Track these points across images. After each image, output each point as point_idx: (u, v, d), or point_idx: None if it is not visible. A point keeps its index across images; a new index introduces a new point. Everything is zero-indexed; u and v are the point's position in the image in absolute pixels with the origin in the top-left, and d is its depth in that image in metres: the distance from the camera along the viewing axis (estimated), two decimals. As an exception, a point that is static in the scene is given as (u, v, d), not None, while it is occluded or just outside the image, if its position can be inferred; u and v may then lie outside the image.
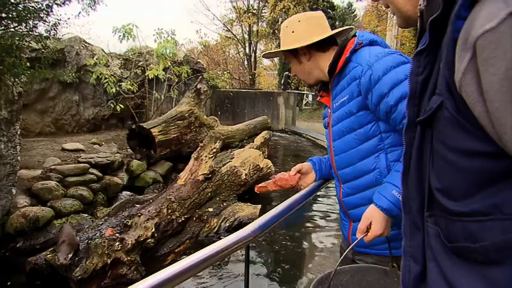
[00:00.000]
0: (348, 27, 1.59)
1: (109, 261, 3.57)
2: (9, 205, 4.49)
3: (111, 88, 8.01)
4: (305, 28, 1.52)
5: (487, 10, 0.50)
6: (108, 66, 8.46)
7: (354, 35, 1.52)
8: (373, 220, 1.27)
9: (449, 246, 0.63)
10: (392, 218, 1.27)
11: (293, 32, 1.53)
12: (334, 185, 1.67)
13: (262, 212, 5.24)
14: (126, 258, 3.71)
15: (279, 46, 1.67)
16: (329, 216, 5.26)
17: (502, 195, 0.56)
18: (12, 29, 4.07)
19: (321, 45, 1.51)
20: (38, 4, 4.20)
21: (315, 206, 5.59)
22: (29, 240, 4.52)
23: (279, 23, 18.64)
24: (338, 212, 4.11)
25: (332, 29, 1.56)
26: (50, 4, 4.34)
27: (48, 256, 3.49)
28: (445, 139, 0.60)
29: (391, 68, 1.33)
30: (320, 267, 3.97)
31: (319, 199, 5.70)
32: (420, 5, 0.66)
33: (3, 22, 3.94)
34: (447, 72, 0.57)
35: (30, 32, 4.29)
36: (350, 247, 1.22)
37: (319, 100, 1.67)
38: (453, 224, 0.62)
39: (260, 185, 1.75)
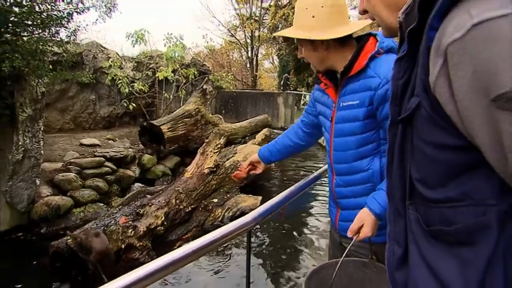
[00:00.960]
0: (368, 22, 1.38)
1: (123, 246, 3.61)
2: (33, 194, 4.53)
3: (125, 88, 8.03)
4: (328, 16, 1.32)
5: (455, 21, 0.51)
6: (122, 68, 8.46)
7: (370, 34, 1.39)
8: (365, 223, 1.27)
9: (428, 230, 0.64)
10: (381, 221, 1.27)
11: (313, 16, 1.33)
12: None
13: (263, 202, 5.29)
14: (138, 244, 3.74)
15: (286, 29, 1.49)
16: (326, 206, 5.28)
17: (472, 184, 0.57)
18: (37, 35, 4.10)
19: (341, 39, 1.34)
20: (60, 12, 4.21)
21: (315, 195, 5.59)
22: (52, 226, 4.57)
23: (279, 28, 18.54)
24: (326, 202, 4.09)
25: None
26: (71, 12, 4.35)
27: (68, 241, 3.49)
28: (423, 135, 0.61)
29: None
30: (315, 253, 3.98)
31: (316, 191, 5.72)
32: (399, 17, 0.66)
33: (29, 29, 3.96)
34: (423, 76, 0.58)
35: (53, 38, 4.31)
36: (346, 250, 1.21)
37: (321, 87, 1.53)
38: (431, 210, 0.63)
39: (233, 175, 1.89)
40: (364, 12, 0.81)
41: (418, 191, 0.65)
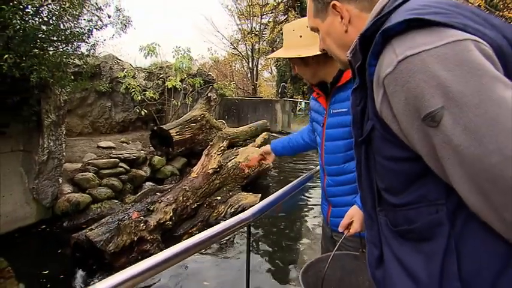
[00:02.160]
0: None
1: (135, 239, 3.62)
2: (57, 191, 4.58)
3: (137, 96, 8.05)
4: (313, 34, 1.33)
5: (386, 59, 0.57)
6: (135, 78, 8.48)
7: None
8: (354, 219, 1.28)
9: (395, 231, 0.67)
10: None
11: (301, 36, 1.36)
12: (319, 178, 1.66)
13: (262, 199, 5.29)
14: (149, 237, 3.77)
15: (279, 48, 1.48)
16: (319, 203, 5.25)
17: (425, 188, 0.60)
18: (61, 49, 4.16)
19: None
20: (81, 29, 4.27)
21: (308, 194, 5.59)
22: (72, 221, 4.61)
23: (277, 42, 18.59)
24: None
25: None
26: (91, 29, 4.41)
27: (87, 233, 3.55)
28: (380, 150, 0.66)
29: None
30: (310, 247, 3.98)
31: (310, 189, 5.73)
32: (348, 56, 0.71)
33: (54, 44, 4.02)
34: (371, 103, 0.63)
35: (75, 51, 4.37)
36: (338, 244, 1.22)
37: (314, 96, 1.54)
38: (396, 213, 0.66)
39: (243, 166, 1.91)
40: (323, 50, 0.87)
41: (384, 199, 0.69)
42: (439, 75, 0.52)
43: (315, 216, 4.83)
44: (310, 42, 1.33)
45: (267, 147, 1.82)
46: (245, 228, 1.44)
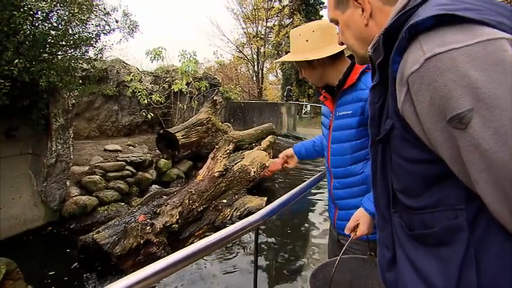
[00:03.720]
0: None
1: (142, 241, 3.62)
2: (64, 194, 4.63)
3: (144, 100, 8.10)
4: (319, 38, 1.38)
5: (412, 56, 0.55)
6: (141, 81, 8.52)
7: None
8: (361, 221, 1.26)
9: (410, 234, 0.65)
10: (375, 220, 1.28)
11: (307, 40, 1.39)
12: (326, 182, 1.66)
13: (268, 203, 5.28)
14: (155, 240, 3.75)
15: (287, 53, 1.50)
16: (326, 205, 5.17)
17: (443, 192, 0.59)
18: (70, 54, 4.22)
19: (333, 56, 1.38)
20: (90, 34, 4.33)
21: (315, 198, 5.55)
22: (80, 223, 4.64)
23: (282, 45, 18.61)
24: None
25: None
26: (99, 34, 4.47)
27: (94, 236, 3.56)
28: (398, 151, 0.63)
29: None
30: (317, 248, 3.95)
31: (318, 192, 5.70)
32: (368, 52, 0.69)
33: (63, 48, 4.09)
34: (392, 101, 0.61)
35: (83, 56, 4.43)
36: (344, 247, 1.21)
37: (321, 99, 1.55)
38: (412, 216, 0.64)
39: (265, 172, 1.90)
40: (341, 43, 0.85)
41: (400, 200, 0.67)
42: (470, 75, 0.50)
43: (325, 220, 4.79)
44: (317, 46, 1.36)
45: (290, 151, 1.81)
46: (252, 231, 1.42)
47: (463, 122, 0.50)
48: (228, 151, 5.60)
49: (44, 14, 3.81)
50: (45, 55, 3.87)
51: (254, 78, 21.38)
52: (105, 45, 4.84)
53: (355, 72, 1.38)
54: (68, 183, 4.72)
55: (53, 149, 4.39)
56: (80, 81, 4.67)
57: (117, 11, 4.94)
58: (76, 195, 4.90)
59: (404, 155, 0.63)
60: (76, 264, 3.60)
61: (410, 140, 0.60)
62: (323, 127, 1.58)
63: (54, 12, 3.95)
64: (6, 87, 3.38)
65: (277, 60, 1.81)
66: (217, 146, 5.74)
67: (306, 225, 4.77)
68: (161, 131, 7.12)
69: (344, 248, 1.22)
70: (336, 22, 0.82)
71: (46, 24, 3.89)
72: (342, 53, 1.42)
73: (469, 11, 0.53)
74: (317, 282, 1.27)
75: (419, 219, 0.63)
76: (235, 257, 3.83)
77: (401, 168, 0.64)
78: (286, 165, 1.81)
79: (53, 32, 3.83)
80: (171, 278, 3.20)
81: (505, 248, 0.55)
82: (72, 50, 4.21)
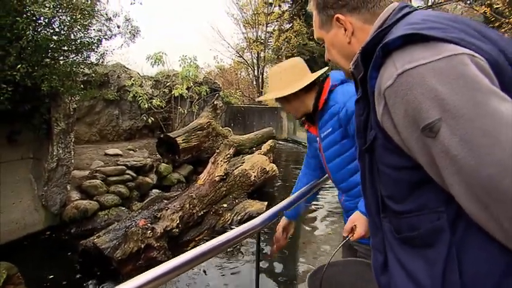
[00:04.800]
0: (324, 70, 1.59)
1: (142, 246, 3.62)
2: (65, 198, 4.63)
3: (144, 104, 8.09)
4: (291, 75, 1.53)
5: (386, 72, 0.59)
6: (142, 86, 8.54)
7: (327, 76, 1.56)
8: (357, 223, 1.30)
9: (399, 237, 0.68)
10: None
11: (281, 79, 1.54)
12: (326, 187, 1.74)
13: (268, 207, 5.29)
14: (156, 244, 3.75)
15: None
16: (329, 210, 5.16)
17: (426, 196, 0.62)
18: (71, 59, 4.25)
19: (305, 87, 1.51)
20: (91, 39, 4.36)
21: (317, 202, 5.47)
22: (80, 227, 4.63)
23: (282, 50, 18.69)
24: (331, 207, 4.02)
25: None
26: (100, 39, 4.50)
27: (95, 240, 3.55)
28: (382, 159, 0.67)
29: None
30: (318, 251, 3.94)
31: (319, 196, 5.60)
32: (350, 68, 0.74)
33: (65, 54, 4.12)
34: (373, 114, 0.65)
35: (84, 61, 4.45)
36: (337, 249, 1.27)
37: (306, 129, 1.71)
38: (399, 220, 0.67)
39: (272, 252, 1.92)
40: (329, 60, 0.90)
41: (388, 206, 0.70)
42: (436, 89, 0.54)
43: (323, 223, 4.77)
44: (289, 83, 1.51)
45: (283, 221, 1.83)
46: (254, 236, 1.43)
47: (433, 130, 0.54)
48: (228, 155, 5.60)
49: (47, 20, 3.84)
50: (48, 60, 3.90)
51: (254, 83, 21.41)
52: (107, 50, 4.88)
53: (324, 93, 1.52)
54: (68, 187, 4.72)
55: (54, 153, 4.40)
56: (82, 85, 4.69)
57: (119, 16, 4.99)
58: (77, 200, 4.89)
59: (387, 162, 0.66)
60: (76, 268, 3.60)
61: (391, 149, 0.64)
62: (318, 152, 1.67)
63: (57, 18, 3.98)
64: (8, 92, 3.40)
65: (258, 99, 1.96)
66: (217, 151, 5.74)
67: (307, 229, 4.73)
68: (162, 136, 7.13)
69: (337, 249, 1.26)
70: (323, 41, 0.88)
71: (48, 29, 3.93)
72: (313, 84, 1.54)
73: (434, 30, 0.58)
74: (315, 282, 1.29)
75: (406, 222, 0.66)
76: (233, 262, 3.81)
77: (387, 175, 0.68)
78: (289, 234, 1.87)
79: (55, 38, 3.87)
80: (170, 284, 3.18)
81: (485, 248, 0.57)
82: (74, 55, 4.24)
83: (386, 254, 0.74)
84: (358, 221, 1.32)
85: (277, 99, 1.60)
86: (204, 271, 3.54)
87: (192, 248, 3.96)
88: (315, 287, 1.26)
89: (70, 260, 3.80)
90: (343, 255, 1.69)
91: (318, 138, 1.61)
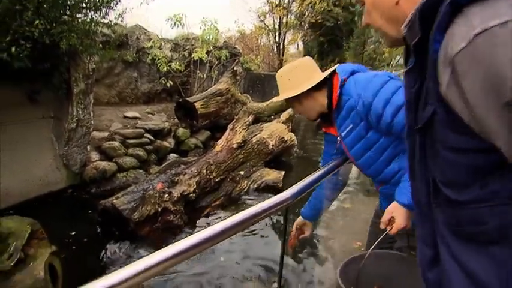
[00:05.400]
0: (334, 67, 1.51)
1: (159, 209, 3.65)
2: (85, 159, 4.70)
3: (163, 67, 8.02)
4: (299, 74, 1.46)
5: (458, 33, 0.48)
6: (161, 49, 8.44)
7: (334, 71, 1.47)
8: (395, 215, 1.22)
9: (456, 231, 0.60)
10: (412, 211, 1.19)
11: (289, 79, 1.47)
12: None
13: (285, 176, 5.20)
14: (173, 208, 3.79)
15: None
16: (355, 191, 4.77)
17: (498, 183, 0.53)
18: (90, 16, 4.13)
19: (316, 86, 1.44)
20: (110, -5, 4.20)
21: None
22: (99, 187, 4.72)
23: (306, 16, 17.95)
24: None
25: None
26: (119, -5, 4.34)
27: (114, 201, 3.60)
28: (442, 140, 0.58)
29: (377, 91, 1.30)
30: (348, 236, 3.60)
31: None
32: (403, 32, 0.63)
33: (83, 11, 4.00)
34: (434, 86, 0.55)
35: (103, 19, 4.33)
36: (374, 244, 1.17)
37: (324, 131, 1.64)
38: (457, 211, 0.59)
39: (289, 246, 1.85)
40: (367, 25, 0.77)
41: (443, 194, 0.61)
42: None
43: (342, 199, 4.46)
44: (299, 82, 1.44)
45: (300, 220, 1.82)
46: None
47: None
48: (247, 123, 5.55)
49: (63, -26, 3.69)
50: (65, 17, 3.79)
51: (275, 50, 20.86)
52: (126, 8, 4.72)
53: (335, 89, 1.43)
54: (88, 148, 4.77)
55: (74, 113, 4.40)
56: (100, 45, 4.59)
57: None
58: (96, 160, 4.96)
59: (449, 144, 0.56)
60: (96, 226, 3.69)
61: (456, 128, 0.54)
62: (343, 152, 1.58)
63: (74, -28, 3.83)
64: (27, 48, 3.34)
65: (270, 100, 1.85)
66: (236, 117, 5.69)
67: (338, 212, 4.26)
68: (180, 100, 7.07)
69: (378, 241, 1.16)
70: (362, 3, 0.74)
71: (65, -16, 3.78)
72: (323, 83, 1.46)
73: None
74: (348, 273, 1.24)
75: (468, 214, 0.57)
76: (254, 239, 3.63)
77: (446, 159, 0.58)
78: (303, 235, 1.82)
79: (73, -7, 3.73)
80: (186, 263, 3.01)
81: None
82: (92, 13, 4.11)
83: (436, 248, 0.66)
84: (397, 211, 1.22)
85: (288, 101, 1.54)
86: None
87: (209, 213, 3.91)
88: (347, 278, 1.20)
89: (90, 218, 3.89)
90: (372, 231, 1.62)
91: (338, 139, 1.54)
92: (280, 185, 5.04)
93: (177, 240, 0.84)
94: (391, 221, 1.21)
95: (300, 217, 1.81)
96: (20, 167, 4.16)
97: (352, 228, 3.59)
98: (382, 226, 1.24)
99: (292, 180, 5.51)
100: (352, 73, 1.44)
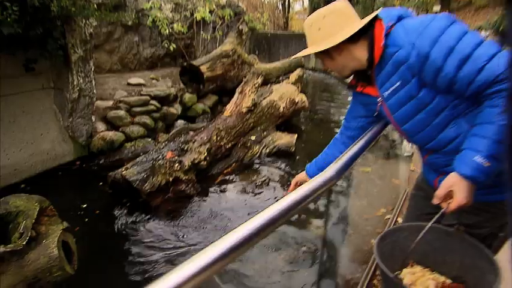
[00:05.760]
0: (376, 12, 1.19)
1: (171, 179, 3.58)
2: (91, 130, 4.56)
3: (165, 29, 7.63)
4: (331, 23, 1.19)
5: None
6: (161, 9, 7.98)
7: (376, 17, 1.17)
8: (455, 189, 1.00)
9: None
10: (476, 185, 1.00)
11: (319, 29, 1.21)
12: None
13: (298, 140, 5.05)
14: (184, 177, 3.71)
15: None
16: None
17: None
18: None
19: (352, 37, 1.16)
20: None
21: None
22: (108, 158, 4.63)
23: (313, -33, 16.88)
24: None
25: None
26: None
27: (123, 172, 3.50)
28: None
29: (437, 38, 1.01)
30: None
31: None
32: None
33: (73, -33, 3.63)
34: None
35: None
36: (431, 223, 0.99)
37: (359, 91, 1.34)
38: None
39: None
40: None
41: None
42: None
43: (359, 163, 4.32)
44: (331, 33, 1.19)
45: (302, 176, 1.62)
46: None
47: None
48: (256, 85, 5.28)
49: None
50: (54, -25, 3.44)
51: (280, 8, 19.86)
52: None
53: (378, 40, 1.14)
54: (93, 118, 4.60)
55: (75, 83, 4.18)
56: (95, 6, 4.25)
57: None
58: (103, 131, 4.83)
59: None
60: (107, 198, 3.62)
61: None
62: (383, 117, 1.34)
63: None
64: (15, 12, 3.06)
65: (293, 56, 1.47)
66: (244, 80, 5.40)
67: (380, 182, 3.83)
68: (185, 64, 6.78)
69: (433, 220, 0.99)
70: None
71: None
72: (361, 33, 1.16)
73: None
74: (384, 247, 1.10)
75: None
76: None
77: None
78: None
79: None
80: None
81: None
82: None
83: None
84: (456, 185, 0.99)
85: (318, 55, 1.25)
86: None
87: (221, 181, 3.74)
88: (383, 252, 1.06)
89: (101, 190, 3.81)
90: (413, 203, 1.44)
91: (378, 100, 1.26)
92: (293, 149, 4.87)
93: (191, 211, 0.65)
94: (449, 195, 1.01)
95: (303, 173, 1.63)
96: (25, 141, 4.03)
97: (373, 193, 3.43)
98: (435, 201, 1.03)
99: (305, 144, 5.33)
100: (400, 19, 1.14)
